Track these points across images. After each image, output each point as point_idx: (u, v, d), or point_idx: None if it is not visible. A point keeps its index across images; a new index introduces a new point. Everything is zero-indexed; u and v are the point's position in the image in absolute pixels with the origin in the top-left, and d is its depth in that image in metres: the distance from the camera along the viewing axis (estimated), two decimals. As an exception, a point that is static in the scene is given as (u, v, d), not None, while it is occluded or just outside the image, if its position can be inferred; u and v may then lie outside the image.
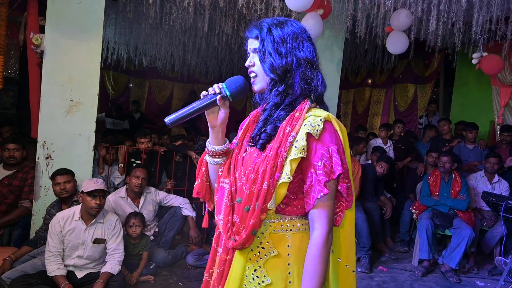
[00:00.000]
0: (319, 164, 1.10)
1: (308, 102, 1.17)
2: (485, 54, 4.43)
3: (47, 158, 3.29)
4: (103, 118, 7.28)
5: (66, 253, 2.76)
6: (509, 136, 4.82)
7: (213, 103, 1.18)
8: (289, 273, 1.15)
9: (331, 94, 4.56)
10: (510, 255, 3.43)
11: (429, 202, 4.18)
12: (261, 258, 1.15)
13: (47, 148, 3.29)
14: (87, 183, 2.80)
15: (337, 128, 1.15)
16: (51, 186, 3.13)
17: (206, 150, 1.27)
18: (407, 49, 4.23)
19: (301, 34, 1.20)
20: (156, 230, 3.72)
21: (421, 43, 4.61)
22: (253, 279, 1.15)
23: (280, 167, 1.10)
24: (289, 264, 1.15)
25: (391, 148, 5.61)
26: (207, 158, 1.28)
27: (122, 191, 3.57)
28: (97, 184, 2.77)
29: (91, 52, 3.38)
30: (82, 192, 2.76)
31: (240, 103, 10.26)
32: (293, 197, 1.16)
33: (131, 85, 9.78)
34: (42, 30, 3.36)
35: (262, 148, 1.16)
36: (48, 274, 2.63)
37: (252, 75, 1.23)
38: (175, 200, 3.77)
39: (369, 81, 8.64)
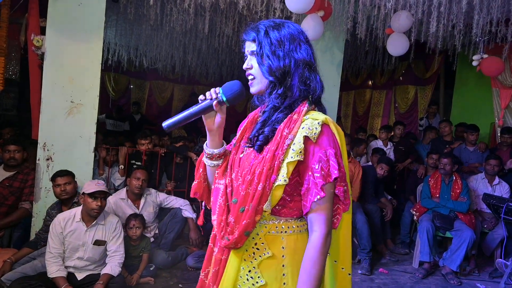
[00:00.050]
0: (317, 167, 1.10)
1: (306, 105, 1.17)
2: (485, 56, 4.42)
3: (47, 159, 3.30)
4: (103, 119, 7.28)
5: (67, 255, 2.76)
6: (510, 138, 4.82)
7: (209, 108, 1.19)
8: (284, 274, 1.15)
9: (332, 96, 4.57)
10: (511, 258, 3.43)
11: (430, 204, 4.17)
12: (255, 259, 1.16)
13: (48, 150, 3.30)
14: (88, 184, 2.81)
15: (335, 131, 1.15)
16: (52, 188, 3.14)
17: (203, 152, 1.28)
18: (408, 51, 4.24)
19: (298, 36, 1.20)
20: (156, 231, 3.71)
21: (422, 45, 4.62)
22: (248, 279, 1.16)
23: (277, 169, 1.11)
24: (283, 265, 1.15)
25: (391, 150, 5.61)
26: (204, 160, 1.28)
27: (122, 192, 3.57)
28: (98, 185, 2.77)
29: (91, 53, 3.39)
30: (83, 193, 2.76)
31: (241, 105, 10.26)
32: (288, 199, 1.17)
33: (131, 86, 9.78)
34: (43, 31, 3.36)
35: (260, 149, 1.16)
36: (49, 276, 2.63)
37: (250, 77, 1.23)
38: (175, 201, 3.78)
39: (370, 82, 8.64)
